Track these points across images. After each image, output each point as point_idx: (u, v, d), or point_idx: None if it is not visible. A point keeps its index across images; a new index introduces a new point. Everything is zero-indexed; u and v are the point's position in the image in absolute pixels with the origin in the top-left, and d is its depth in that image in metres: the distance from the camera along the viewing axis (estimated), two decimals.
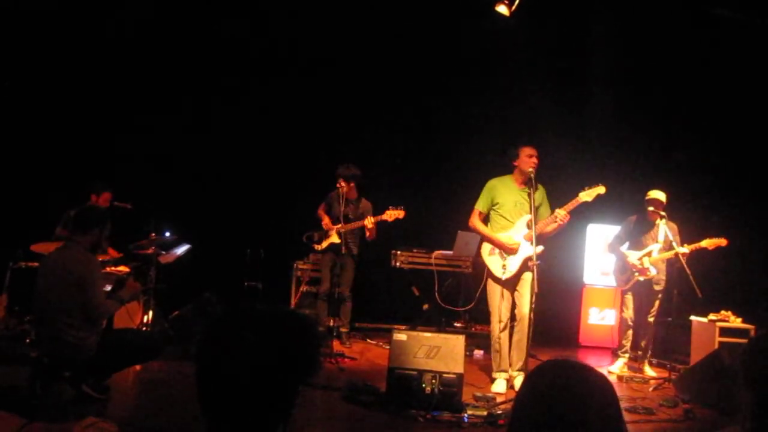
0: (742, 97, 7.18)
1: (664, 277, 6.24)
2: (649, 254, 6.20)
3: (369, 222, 6.38)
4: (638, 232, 6.37)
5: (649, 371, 6.26)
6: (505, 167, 5.40)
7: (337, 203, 6.49)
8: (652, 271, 6.15)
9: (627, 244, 6.39)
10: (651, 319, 6.27)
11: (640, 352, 6.36)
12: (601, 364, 6.63)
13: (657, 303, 6.29)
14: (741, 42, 6.84)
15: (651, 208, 6.07)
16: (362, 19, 7.55)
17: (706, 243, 5.87)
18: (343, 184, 6.41)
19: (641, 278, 6.20)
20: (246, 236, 7.54)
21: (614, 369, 6.25)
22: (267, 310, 1.38)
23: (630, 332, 6.37)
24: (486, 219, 5.39)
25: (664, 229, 6.07)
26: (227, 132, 7.87)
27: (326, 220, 6.75)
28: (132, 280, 4.61)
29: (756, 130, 7.26)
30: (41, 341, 4.23)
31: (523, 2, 6.14)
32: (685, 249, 5.90)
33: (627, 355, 6.34)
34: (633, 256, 6.23)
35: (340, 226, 6.47)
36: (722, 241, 5.90)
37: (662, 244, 6.14)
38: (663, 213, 5.99)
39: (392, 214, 6.35)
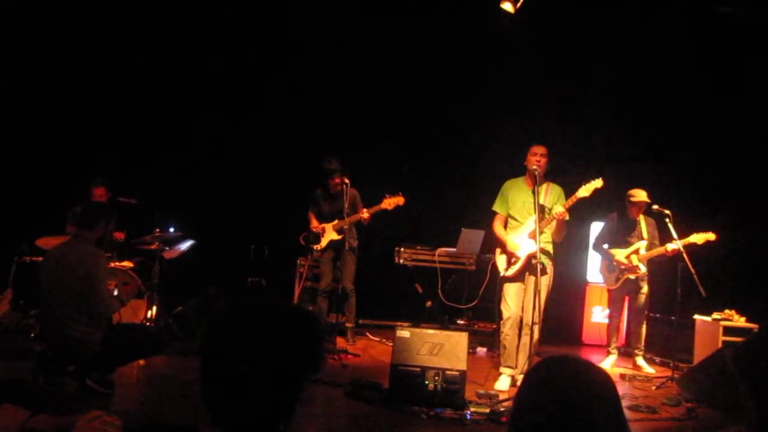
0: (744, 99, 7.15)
1: (647, 273, 6.34)
2: (636, 252, 6.23)
3: (365, 213, 6.26)
4: (621, 230, 6.41)
5: (644, 364, 6.35)
6: (512, 166, 5.43)
7: (328, 200, 6.60)
8: (642, 269, 6.19)
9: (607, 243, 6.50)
10: (645, 313, 6.40)
11: (636, 350, 6.43)
12: (604, 362, 6.63)
13: (648, 299, 6.39)
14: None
15: (636, 206, 6.24)
16: (364, 21, 7.55)
17: (695, 238, 5.80)
18: (338, 180, 6.37)
19: (632, 276, 6.24)
20: (250, 232, 7.55)
21: (605, 366, 6.28)
22: (271, 306, 1.38)
23: (616, 330, 6.56)
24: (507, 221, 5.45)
25: (644, 225, 6.25)
26: (232, 128, 7.88)
27: (314, 223, 6.77)
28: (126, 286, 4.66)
29: (757, 130, 7.22)
30: (46, 335, 4.26)
31: (527, 3, 6.09)
32: (675, 245, 5.74)
33: (616, 352, 6.51)
34: (620, 254, 6.26)
35: (342, 222, 6.46)
36: (710, 236, 5.82)
37: (647, 241, 6.22)
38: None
39: (391, 202, 6.19)
